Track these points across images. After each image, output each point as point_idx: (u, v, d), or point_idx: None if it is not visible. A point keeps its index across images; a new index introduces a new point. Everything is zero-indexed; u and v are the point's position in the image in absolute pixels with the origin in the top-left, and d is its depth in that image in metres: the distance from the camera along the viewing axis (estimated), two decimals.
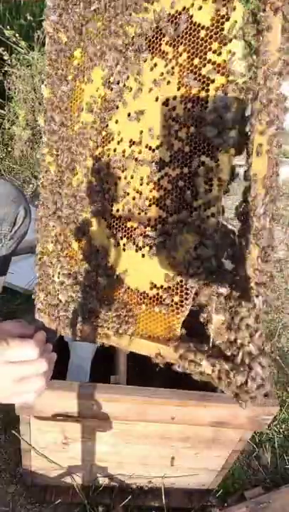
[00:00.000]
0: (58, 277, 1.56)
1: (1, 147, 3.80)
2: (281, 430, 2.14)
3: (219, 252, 1.22)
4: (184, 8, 1.26)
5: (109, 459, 1.63)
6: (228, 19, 1.15)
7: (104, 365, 1.71)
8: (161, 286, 1.32)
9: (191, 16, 1.23)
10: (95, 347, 1.87)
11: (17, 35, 3.57)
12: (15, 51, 3.69)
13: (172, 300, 1.30)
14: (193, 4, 1.24)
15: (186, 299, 1.26)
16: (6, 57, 3.59)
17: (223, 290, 1.16)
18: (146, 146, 1.34)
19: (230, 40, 1.15)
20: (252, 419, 1.40)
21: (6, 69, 3.68)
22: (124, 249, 1.41)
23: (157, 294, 1.33)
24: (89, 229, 1.53)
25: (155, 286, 1.34)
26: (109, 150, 1.44)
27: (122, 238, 1.43)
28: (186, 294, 1.27)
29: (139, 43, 1.35)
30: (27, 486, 1.77)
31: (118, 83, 1.42)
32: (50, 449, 1.57)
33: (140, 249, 1.37)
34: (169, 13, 1.28)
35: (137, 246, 1.38)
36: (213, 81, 1.17)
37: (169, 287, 1.31)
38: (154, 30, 1.32)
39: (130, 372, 1.56)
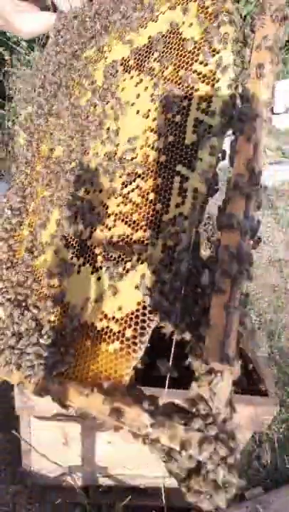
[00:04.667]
0: None
1: (2, 147, 3.80)
2: (281, 430, 2.14)
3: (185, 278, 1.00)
4: (176, 26, 1.29)
5: (110, 459, 1.63)
6: (216, 33, 1.17)
7: None
8: (113, 317, 1.08)
9: (181, 33, 1.27)
10: None
11: None
12: (15, 51, 3.70)
13: (123, 335, 1.04)
14: (184, 22, 1.28)
15: (142, 334, 1.01)
16: (6, 57, 3.60)
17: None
18: (119, 159, 1.29)
19: (218, 52, 1.17)
20: (252, 419, 1.40)
21: (6, 69, 3.69)
22: (78, 271, 1.22)
23: (107, 326, 1.08)
24: (36, 238, 1.38)
25: (105, 316, 1.10)
26: (83, 162, 1.39)
27: (77, 257, 1.24)
28: (142, 328, 1.02)
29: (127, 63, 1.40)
30: (27, 486, 1.77)
31: (102, 99, 1.44)
32: (50, 449, 1.57)
33: (97, 270, 1.19)
34: (160, 32, 1.33)
35: (93, 267, 1.20)
36: (197, 90, 1.18)
37: (122, 318, 1.06)
38: (145, 50, 1.37)
39: None
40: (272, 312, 2.86)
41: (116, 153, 1.30)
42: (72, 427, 1.47)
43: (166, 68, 1.25)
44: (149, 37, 1.35)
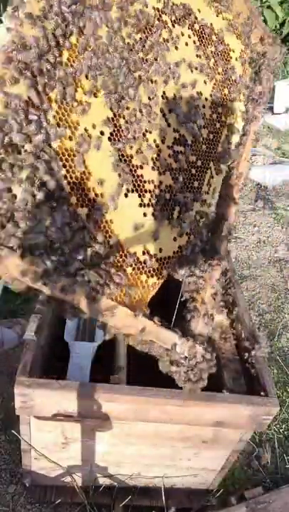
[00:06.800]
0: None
1: None
2: (281, 430, 2.14)
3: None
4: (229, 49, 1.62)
5: (109, 459, 1.63)
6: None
7: (105, 365, 1.71)
8: (154, 255, 1.33)
9: (230, 59, 1.60)
10: (95, 345, 1.87)
11: None
12: None
13: (161, 273, 1.33)
14: (233, 50, 1.64)
15: (167, 274, 1.37)
16: None
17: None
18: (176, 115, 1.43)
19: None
20: (252, 419, 1.40)
21: None
22: (126, 195, 1.29)
23: (149, 262, 1.32)
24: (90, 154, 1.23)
25: (147, 252, 1.32)
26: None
27: (127, 183, 1.30)
28: (169, 268, 1.38)
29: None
30: (27, 486, 1.77)
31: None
32: (50, 449, 1.57)
33: (144, 206, 1.33)
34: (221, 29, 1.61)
35: (141, 200, 1.33)
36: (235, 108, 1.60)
37: (161, 259, 1.34)
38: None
39: (131, 370, 1.55)
40: (273, 312, 2.86)
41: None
42: (72, 427, 1.47)
43: (217, 75, 1.58)
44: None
